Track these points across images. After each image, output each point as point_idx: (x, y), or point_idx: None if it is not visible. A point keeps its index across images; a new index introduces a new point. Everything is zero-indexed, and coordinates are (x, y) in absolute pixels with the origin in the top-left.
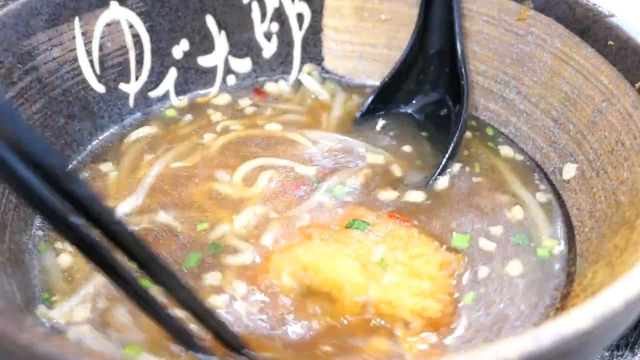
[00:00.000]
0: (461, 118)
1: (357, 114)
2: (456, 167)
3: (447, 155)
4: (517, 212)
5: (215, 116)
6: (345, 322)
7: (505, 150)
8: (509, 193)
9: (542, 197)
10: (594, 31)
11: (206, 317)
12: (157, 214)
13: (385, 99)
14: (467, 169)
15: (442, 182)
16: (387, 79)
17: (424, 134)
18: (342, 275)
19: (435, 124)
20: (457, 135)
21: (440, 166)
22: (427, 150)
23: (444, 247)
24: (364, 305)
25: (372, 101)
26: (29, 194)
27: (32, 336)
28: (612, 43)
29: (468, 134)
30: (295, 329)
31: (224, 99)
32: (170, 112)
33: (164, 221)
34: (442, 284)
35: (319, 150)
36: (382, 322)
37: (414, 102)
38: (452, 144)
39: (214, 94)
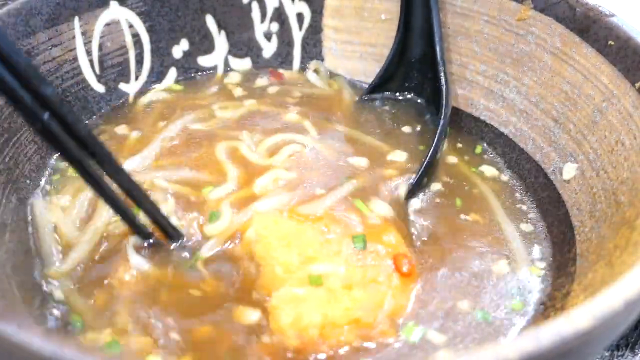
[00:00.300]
0: (440, 123)
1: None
2: (442, 200)
3: (424, 164)
4: (502, 267)
5: (237, 91)
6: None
7: (490, 172)
8: (493, 235)
9: (527, 227)
10: (594, 31)
11: (153, 209)
12: (162, 173)
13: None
14: (451, 202)
15: (433, 225)
16: (370, 87)
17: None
18: (274, 261)
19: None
20: (435, 141)
21: (417, 174)
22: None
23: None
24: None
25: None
26: (7, 90)
27: (32, 335)
28: (612, 43)
29: (454, 159)
30: (213, 268)
31: (236, 77)
32: (176, 87)
33: (162, 183)
34: (328, 332)
35: (348, 147)
36: (267, 315)
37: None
38: (430, 151)
39: (220, 75)
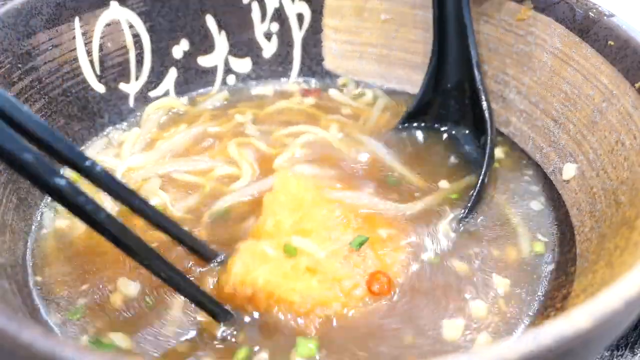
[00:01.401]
0: (487, 149)
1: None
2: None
3: (475, 193)
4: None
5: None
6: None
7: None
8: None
9: (537, 205)
10: (594, 31)
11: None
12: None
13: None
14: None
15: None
16: (405, 118)
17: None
18: (271, 214)
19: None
20: (484, 168)
21: (470, 204)
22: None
23: None
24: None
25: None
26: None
27: (33, 335)
28: (612, 43)
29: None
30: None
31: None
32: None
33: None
34: (259, 298)
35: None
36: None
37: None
38: (480, 178)
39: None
